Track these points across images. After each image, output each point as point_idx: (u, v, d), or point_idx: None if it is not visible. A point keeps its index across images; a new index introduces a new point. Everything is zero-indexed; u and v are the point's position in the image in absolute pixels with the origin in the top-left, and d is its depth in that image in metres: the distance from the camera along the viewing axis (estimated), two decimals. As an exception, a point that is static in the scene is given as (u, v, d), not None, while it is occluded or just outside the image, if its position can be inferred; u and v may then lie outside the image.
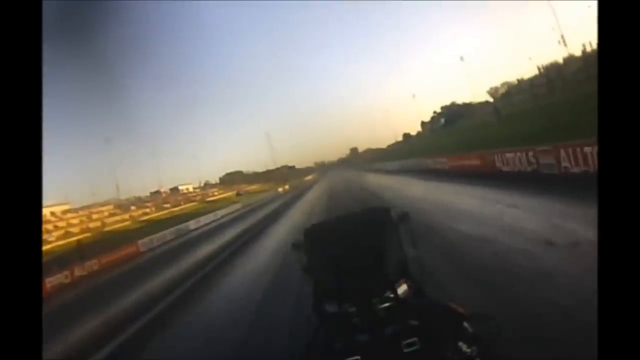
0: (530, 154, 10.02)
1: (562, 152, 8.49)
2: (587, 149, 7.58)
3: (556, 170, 8.78)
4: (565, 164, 8.45)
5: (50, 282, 16.20)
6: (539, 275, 3.69)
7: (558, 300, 2.99)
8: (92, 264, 19.86)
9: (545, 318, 2.82)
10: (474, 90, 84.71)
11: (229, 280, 8.49)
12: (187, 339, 5.14)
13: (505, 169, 11.59)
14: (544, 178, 9.07)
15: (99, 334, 6.45)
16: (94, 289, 14.36)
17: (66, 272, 17.95)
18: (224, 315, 5.76)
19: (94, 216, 42.29)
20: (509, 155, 11.34)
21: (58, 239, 32.38)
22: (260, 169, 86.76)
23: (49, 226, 34.46)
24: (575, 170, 8.03)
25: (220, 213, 37.39)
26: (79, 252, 21.97)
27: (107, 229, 38.39)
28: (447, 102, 59.46)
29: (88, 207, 45.99)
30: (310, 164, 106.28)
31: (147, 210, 47.52)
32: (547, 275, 3.62)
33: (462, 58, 50.97)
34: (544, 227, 5.11)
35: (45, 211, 35.90)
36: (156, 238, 26.31)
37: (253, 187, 71.11)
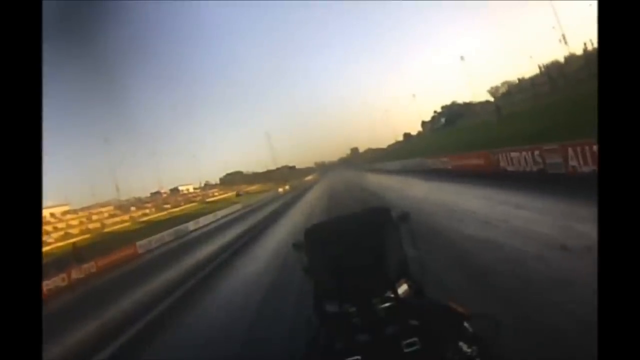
0: (537, 152, 9.80)
1: (570, 150, 8.30)
2: (596, 148, 7.40)
3: (563, 169, 8.61)
4: (573, 163, 8.26)
5: (46, 285, 15.83)
6: (552, 281, 3.53)
7: (573, 308, 2.88)
8: (90, 267, 19.70)
9: (560, 326, 2.75)
10: (475, 89, 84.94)
11: (228, 281, 8.48)
12: (186, 340, 5.14)
13: (510, 168, 11.43)
14: (550, 178, 8.89)
15: (95, 337, 6.45)
16: (91, 292, 14.32)
17: (63, 275, 17.72)
18: (224, 316, 5.75)
19: (94, 217, 42.28)
20: (514, 154, 11.15)
21: (57, 240, 32.32)
22: (260, 169, 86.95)
23: (48, 227, 34.35)
24: (584, 169, 7.82)
25: (220, 214, 37.32)
26: (75, 255, 21.82)
27: (106, 230, 38.35)
28: (448, 102, 59.69)
29: (88, 208, 46.02)
30: (310, 164, 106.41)
31: (147, 211, 47.52)
32: (562, 281, 3.45)
33: (462, 58, 51.11)
34: (553, 229, 4.98)
35: (45, 212, 35.80)
36: (154, 240, 26.08)
37: (253, 187, 71.13)
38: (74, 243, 27.68)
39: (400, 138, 72.91)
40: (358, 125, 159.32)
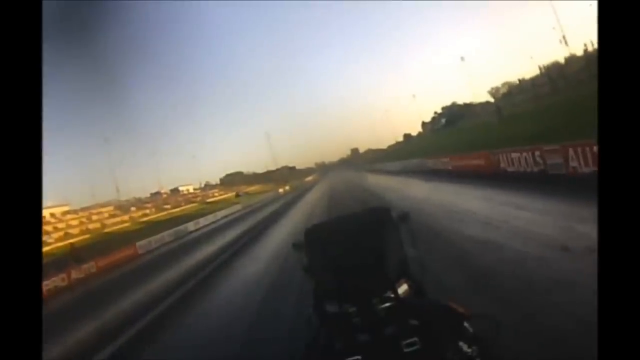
0: (537, 153, 9.77)
1: (571, 151, 8.28)
2: (597, 149, 7.36)
3: (564, 170, 8.58)
4: (573, 163, 8.24)
5: (46, 285, 15.73)
6: (553, 281, 3.50)
7: (573, 309, 2.86)
8: (90, 267, 19.68)
9: (561, 327, 2.74)
10: (475, 90, 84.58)
11: (229, 281, 8.48)
12: (186, 340, 5.13)
13: (510, 169, 11.40)
14: (551, 179, 8.85)
15: (95, 337, 6.45)
16: (91, 292, 14.31)
17: (63, 275, 17.69)
18: (224, 317, 5.75)
19: (94, 217, 42.29)
20: (514, 155, 11.12)
21: (57, 240, 32.32)
22: (260, 169, 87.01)
23: (49, 227, 34.34)
24: (585, 170, 7.78)
25: (220, 214, 37.32)
26: (73, 255, 21.81)
27: (106, 230, 38.36)
28: (448, 102, 59.81)
29: (88, 208, 46.04)
30: (310, 164, 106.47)
31: (147, 211, 47.53)
32: (563, 282, 3.42)
33: (462, 58, 51.16)
34: (554, 230, 4.96)
35: (45, 212, 35.80)
36: (154, 240, 26.06)
37: (253, 188, 71.15)
38: (72, 243, 27.69)
39: (401, 138, 73.10)
40: (358, 125, 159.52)
